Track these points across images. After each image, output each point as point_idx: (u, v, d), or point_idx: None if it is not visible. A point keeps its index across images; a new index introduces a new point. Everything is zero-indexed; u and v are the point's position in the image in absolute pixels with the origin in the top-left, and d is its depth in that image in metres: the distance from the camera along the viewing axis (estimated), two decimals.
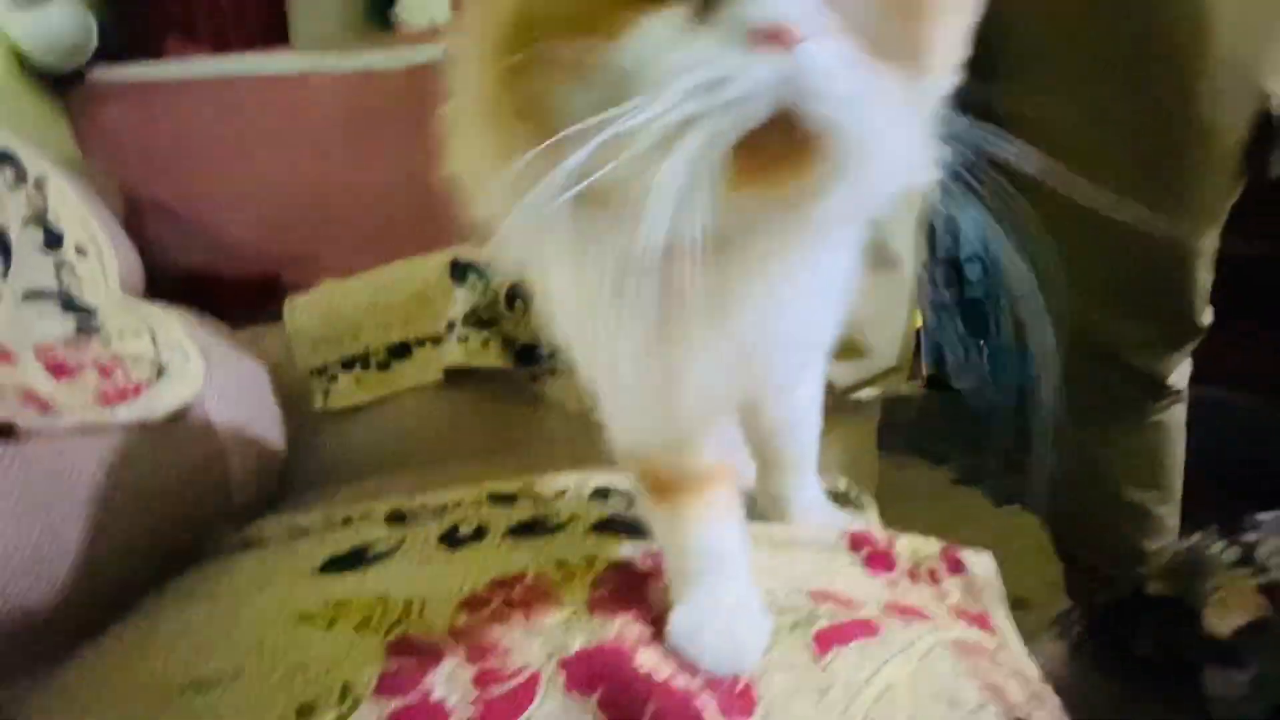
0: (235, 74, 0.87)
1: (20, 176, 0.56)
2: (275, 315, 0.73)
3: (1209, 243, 0.56)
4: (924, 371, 1.70)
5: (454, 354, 0.66)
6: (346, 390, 0.70)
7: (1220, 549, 0.35)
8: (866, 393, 0.66)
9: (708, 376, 0.24)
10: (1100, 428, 0.64)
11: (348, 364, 0.70)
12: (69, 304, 0.51)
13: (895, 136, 0.19)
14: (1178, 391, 0.63)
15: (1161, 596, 0.35)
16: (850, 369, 0.63)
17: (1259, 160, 0.52)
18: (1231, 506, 0.55)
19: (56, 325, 0.48)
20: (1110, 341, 0.59)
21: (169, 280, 0.77)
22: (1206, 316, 0.59)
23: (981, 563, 0.36)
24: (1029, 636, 0.34)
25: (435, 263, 0.71)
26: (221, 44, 0.94)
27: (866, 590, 0.34)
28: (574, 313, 0.27)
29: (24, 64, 0.83)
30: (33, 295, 0.49)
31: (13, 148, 0.57)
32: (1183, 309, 0.57)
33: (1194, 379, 0.63)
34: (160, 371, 0.51)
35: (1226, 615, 0.30)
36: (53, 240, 0.55)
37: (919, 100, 0.20)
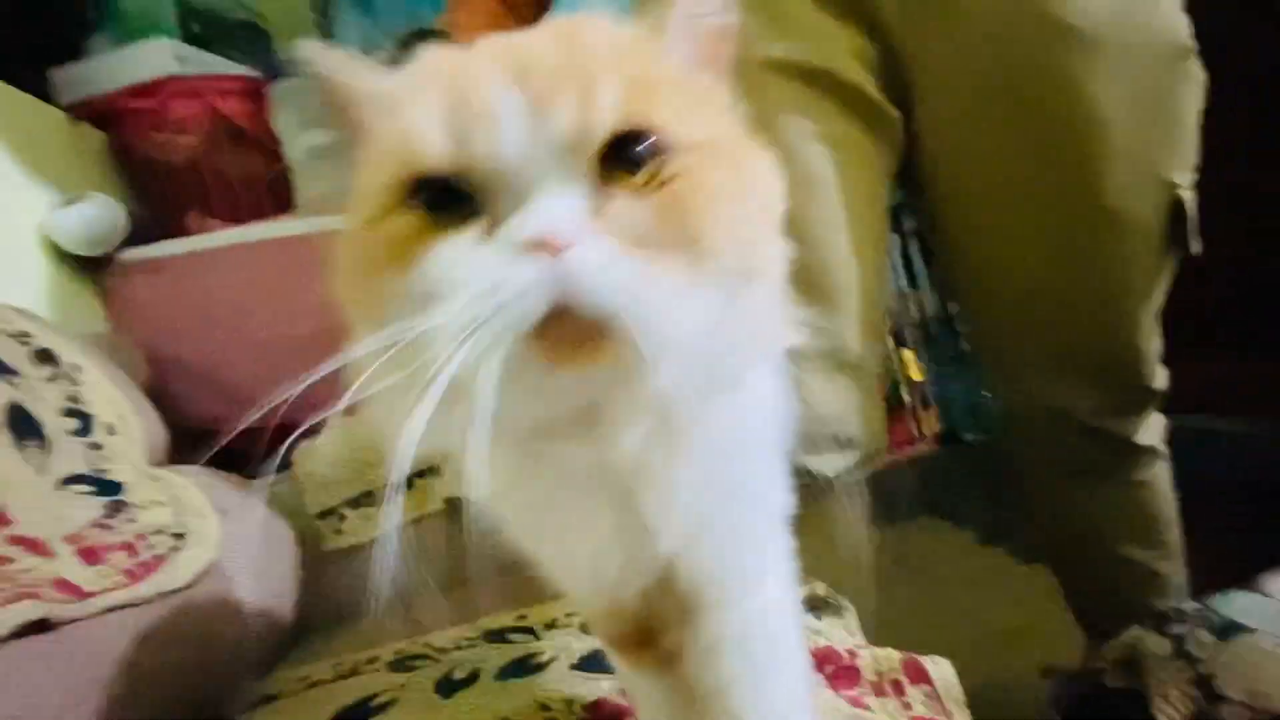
0: (247, 241, 0.96)
1: (57, 370, 0.63)
2: (288, 462, 0.79)
3: (1148, 317, 0.59)
4: (935, 428, 1.70)
5: (455, 485, 0.71)
6: (355, 528, 0.74)
7: (1155, 642, 0.37)
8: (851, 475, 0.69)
9: (603, 549, 0.27)
10: (1088, 488, 0.65)
11: (354, 503, 0.75)
12: (100, 486, 0.56)
13: (690, 316, 0.22)
14: (1155, 450, 0.65)
15: (1119, 689, 0.37)
16: (836, 458, 0.66)
17: (1180, 242, 0.56)
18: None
19: (88, 509, 0.53)
20: (1068, 407, 0.62)
21: (192, 435, 0.84)
22: (1160, 380, 0.61)
23: (941, 669, 0.38)
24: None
25: None
26: (236, 216, 1.05)
27: (833, 712, 0.36)
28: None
29: (62, 253, 0.94)
30: (67, 481, 0.55)
31: (50, 343, 0.65)
32: (1130, 377, 0.60)
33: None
34: (181, 537, 0.55)
35: (1170, 708, 0.31)
36: (85, 426, 0.61)
37: (722, 282, 0.23)
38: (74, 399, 0.62)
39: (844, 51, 0.50)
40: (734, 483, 0.29)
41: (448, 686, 0.44)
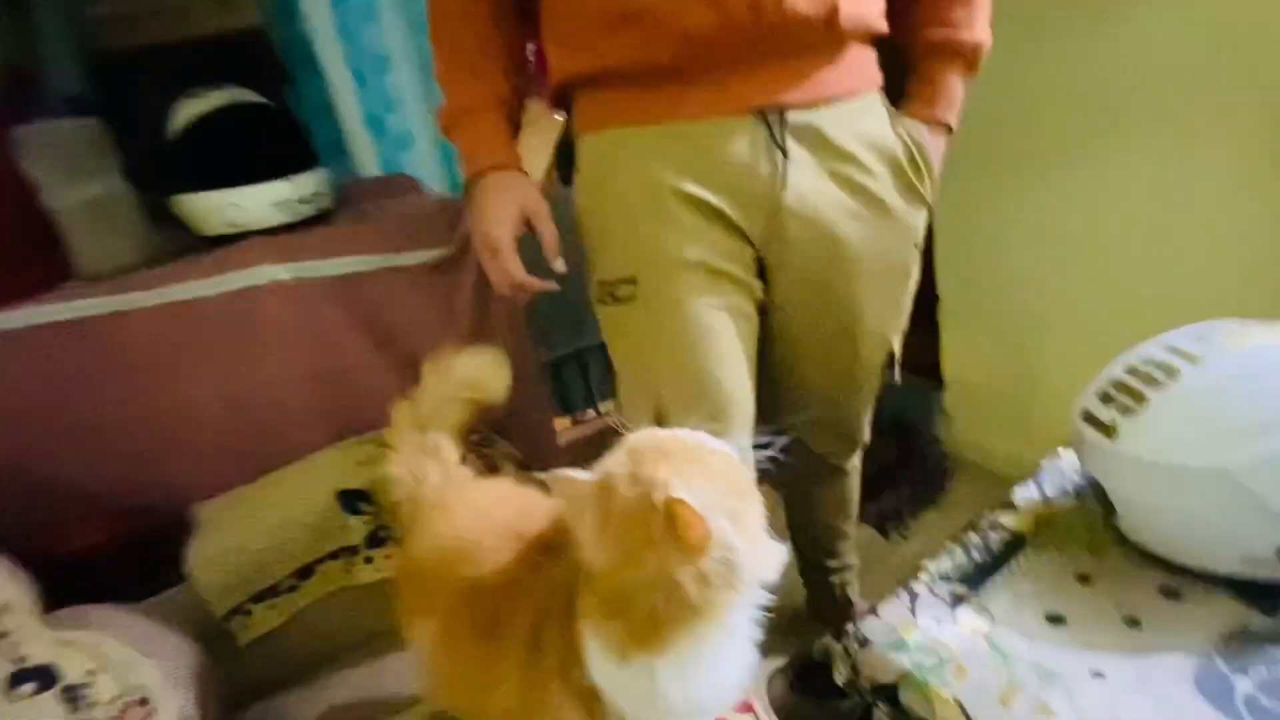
0: (34, 323, 0.85)
1: None
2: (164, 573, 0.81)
3: (869, 405, 0.93)
4: None
5: (366, 574, 0.83)
6: (262, 619, 0.83)
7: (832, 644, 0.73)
8: None
9: None
10: (818, 487, 1.05)
11: (257, 598, 0.82)
12: (39, 678, 0.59)
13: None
14: (854, 468, 1.06)
15: (821, 662, 0.73)
16: None
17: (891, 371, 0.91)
18: None
19: (51, 715, 0.57)
20: (821, 451, 0.98)
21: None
22: (866, 438, 0.99)
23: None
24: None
25: (319, 493, 0.85)
26: None
27: None
28: None
29: None
30: (12, 684, 0.57)
31: None
32: (854, 436, 0.97)
33: None
34: (145, 703, 0.62)
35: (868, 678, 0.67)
36: None
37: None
38: None
39: (728, 255, 0.73)
40: None
41: None
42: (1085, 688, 0.57)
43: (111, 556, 0.84)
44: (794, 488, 1.11)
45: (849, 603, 1.13)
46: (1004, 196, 1.35)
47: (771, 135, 0.69)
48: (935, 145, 0.79)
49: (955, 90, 0.79)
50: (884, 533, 1.45)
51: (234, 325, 0.93)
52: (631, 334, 0.77)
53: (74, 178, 0.89)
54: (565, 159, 0.81)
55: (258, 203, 0.97)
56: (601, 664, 0.46)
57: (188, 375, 0.92)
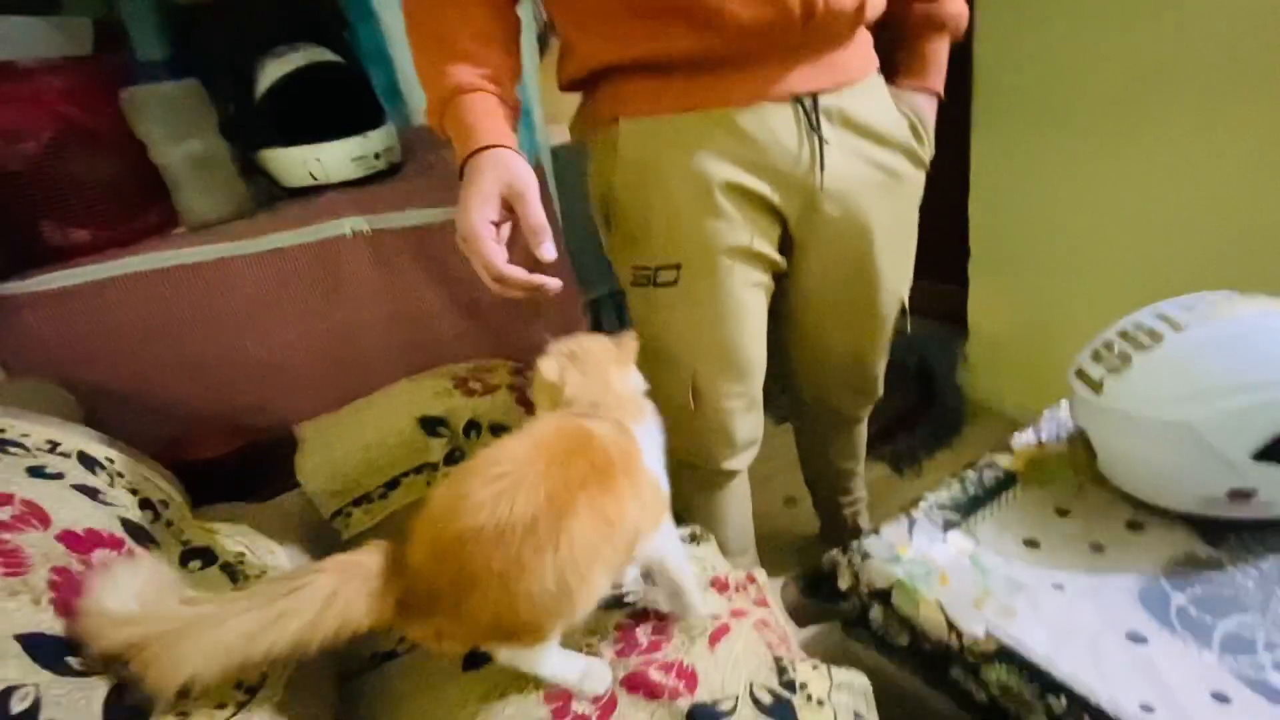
0: (159, 267, 0.98)
1: (109, 471, 0.74)
2: (274, 479, 0.97)
3: (884, 359, 1.02)
4: None
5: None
6: (359, 521, 0.98)
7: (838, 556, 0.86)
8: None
9: None
10: (833, 434, 1.17)
11: (355, 503, 0.98)
12: (203, 558, 0.75)
13: None
14: (866, 417, 1.17)
15: (830, 570, 0.86)
16: (746, 456, 0.99)
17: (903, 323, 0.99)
18: None
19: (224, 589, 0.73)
20: (837, 404, 1.09)
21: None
22: (880, 391, 1.09)
23: (761, 576, 0.83)
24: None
25: (403, 418, 0.99)
26: (101, 223, 1.01)
27: (718, 603, 0.79)
28: None
29: None
30: (183, 560, 0.73)
31: (81, 444, 0.74)
32: (871, 390, 1.06)
33: None
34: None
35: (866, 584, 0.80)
36: (155, 512, 0.76)
37: None
38: (131, 488, 0.75)
39: (764, 236, 0.81)
40: None
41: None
42: (1046, 597, 0.70)
43: (234, 465, 1.00)
44: (808, 437, 1.22)
45: (859, 530, 1.27)
46: (1039, 156, 1.38)
47: (809, 120, 0.76)
48: (930, 111, 0.87)
49: (942, 58, 0.87)
50: (899, 470, 1.57)
51: (322, 271, 1.05)
52: (671, 314, 0.83)
53: (177, 135, 0.99)
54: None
55: (337, 157, 1.07)
56: None
57: (283, 315, 1.05)
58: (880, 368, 1.05)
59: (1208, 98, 1.12)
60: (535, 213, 0.65)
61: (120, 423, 0.98)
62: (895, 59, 0.88)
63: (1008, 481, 0.88)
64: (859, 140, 0.80)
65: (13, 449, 0.69)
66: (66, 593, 0.52)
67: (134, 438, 0.87)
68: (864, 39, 0.81)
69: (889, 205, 0.84)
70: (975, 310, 1.71)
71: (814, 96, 0.75)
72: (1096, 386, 0.77)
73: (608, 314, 2.15)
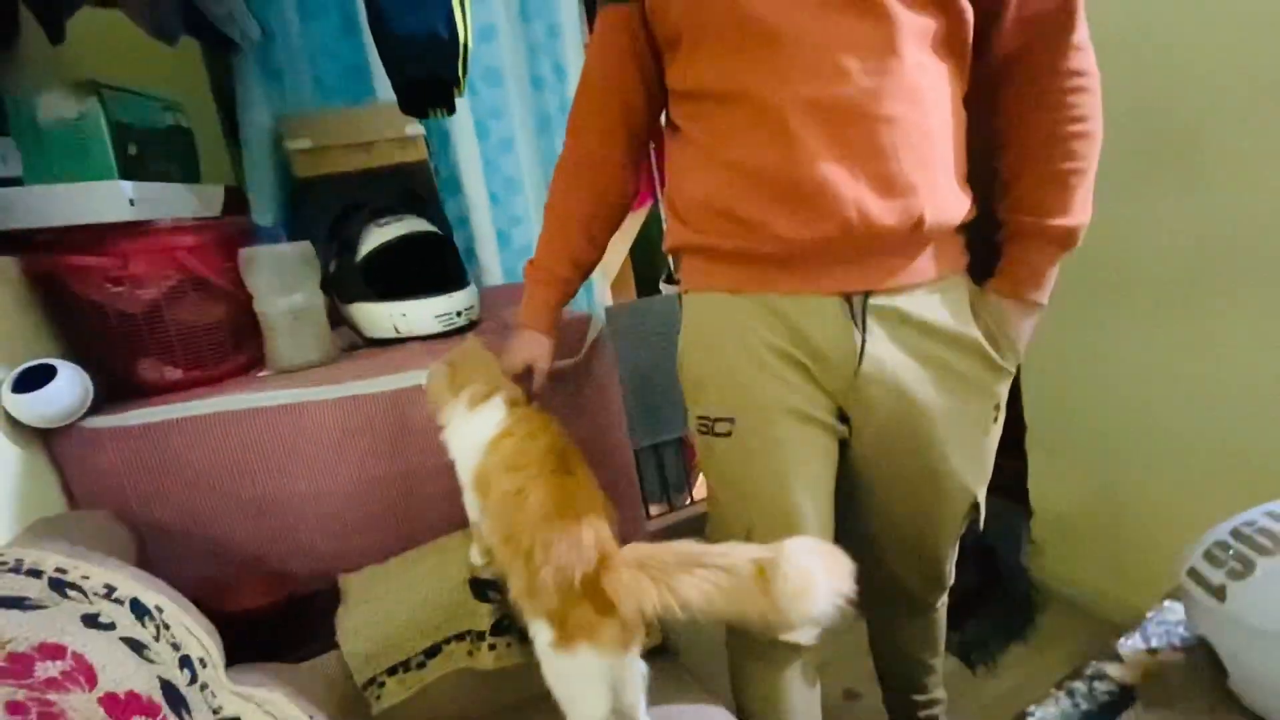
0: (238, 409, 1.01)
1: (157, 622, 0.71)
2: (314, 634, 0.91)
3: (954, 549, 0.97)
4: None
5: (486, 660, 0.91)
6: (392, 692, 0.91)
7: None
8: None
9: None
10: (906, 621, 1.08)
11: (391, 670, 0.91)
12: None
13: None
14: (941, 605, 1.08)
15: None
16: None
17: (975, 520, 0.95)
18: None
19: None
20: (909, 587, 1.02)
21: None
22: (950, 580, 1.02)
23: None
24: None
25: (454, 577, 0.95)
26: (196, 363, 1.06)
27: None
28: None
29: (15, 423, 0.91)
30: None
31: (136, 591, 0.72)
32: (940, 577, 1.00)
33: None
34: None
35: None
36: (192, 671, 0.71)
37: None
38: (177, 647, 0.71)
39: (814, 403, 0.82)
40: None
41: None
42: None
43: (272, 617, 0.95)
44: (880, 624, 1.13)
45: None
46: (1096, 327, 1.40)
47: (853, 314, 0.77)
48: (1022, 320, 0.83)
49: (1045, 270, 0.81)
50: (970, 665, 1.42)
51: (391, 418, 1.07)
52: (728, 464, 0.85)
53: (284, 289, 1.07)
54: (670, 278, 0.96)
55: (422, 314, 1.14)
56: None
57: (345, 459, 1.05)
58: (948, 555, 0.99)
59: (1265, 287, 1.13)
60: (539, 381, 0.97)
61: (170, 560, 0.96)
62: (1000, 260, 0.84)
63: (1124, 699, 0.78)
64: (915, 339, 0.79)
65: (73, 593, 0.67)
66: None
67: (179, 578, 0.85)
68: (943, 243, 0.79)
69: (949, 400, 0.82)
70: (1037, 488, 1.64)
71: (866, 294, 0.77)
72: (1218, 593, 0.70)
73: (648, 467, 2.13)
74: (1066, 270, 0.83)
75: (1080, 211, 0.79)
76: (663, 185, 2.06)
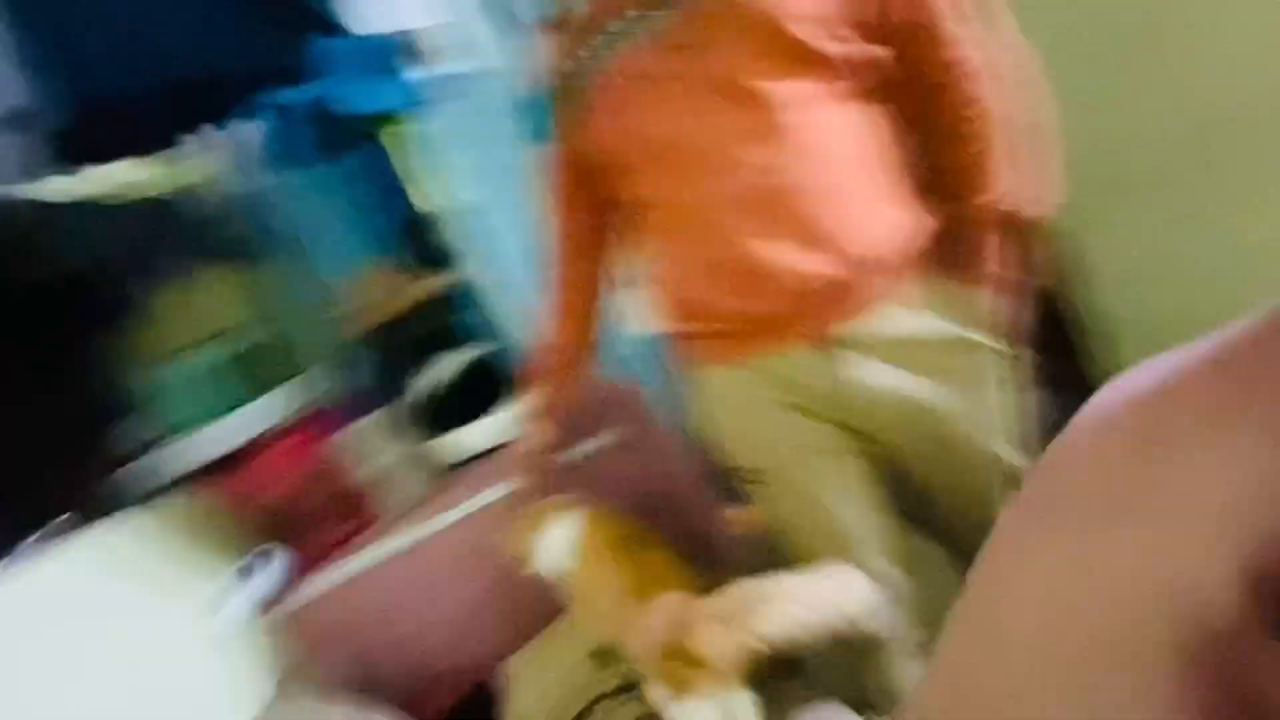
0: (410, 545, 1.22)
1: None
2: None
3: None
4: None
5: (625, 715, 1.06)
6: None
7: None
8: None
9: None
10: None
11: None
12: None
13: None
14: None
15: None
16: None
17: None
18: None
19: None
20: None
21: None
22: None
23: None
24: None
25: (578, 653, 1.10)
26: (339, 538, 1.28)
27: None
28: None
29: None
30: None
31: None
32: None
33: None
34: None
35: None
36: None
37: None
38: None
39: (827, 434, 0.88)
40: None
41: None
42: None
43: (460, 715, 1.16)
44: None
45: None
46: None
47: (829, 351, 0.83)
48: (984, 296, 0.86)
49: (984, 247, 0.86)
50: None
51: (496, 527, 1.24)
52: (771, 504, 0.95)
53: (377, 452, 1.28)
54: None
55: (486, 434, 1.32)
56: None
57: (473, 576, 1.25)
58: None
59: None
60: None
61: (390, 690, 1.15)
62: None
63: None
64: (890, 349, 0.83)
65: None
66: None
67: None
68: (891, 262, 0.82)
69: (952, 395, 0.85)
70: None
71: (825, 335, 0.82)
72: None
73: None
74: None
75: (996, 184, 0.82)
76: None
